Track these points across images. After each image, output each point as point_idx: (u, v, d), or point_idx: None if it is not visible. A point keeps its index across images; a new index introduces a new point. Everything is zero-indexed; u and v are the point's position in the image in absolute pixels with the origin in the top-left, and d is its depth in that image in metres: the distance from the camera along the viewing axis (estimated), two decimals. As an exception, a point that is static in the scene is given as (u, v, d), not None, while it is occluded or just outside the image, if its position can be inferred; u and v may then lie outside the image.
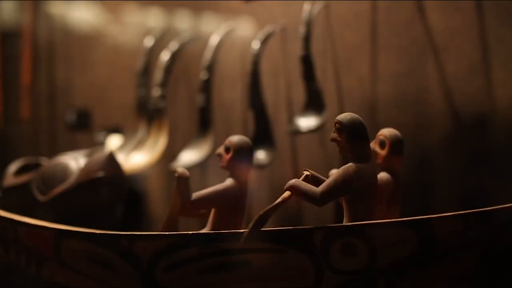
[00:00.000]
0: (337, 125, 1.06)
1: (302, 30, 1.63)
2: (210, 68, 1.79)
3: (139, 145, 1.90)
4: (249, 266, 1.06)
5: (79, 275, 1.20)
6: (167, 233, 1.12)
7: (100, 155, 1.56)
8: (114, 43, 2.31)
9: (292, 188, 1.03)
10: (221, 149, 1.20)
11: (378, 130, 1.18)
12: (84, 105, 2.35)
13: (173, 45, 1.92)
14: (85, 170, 1.52)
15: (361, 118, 1.06)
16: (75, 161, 1.55)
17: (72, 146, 2.29)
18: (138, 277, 1.12)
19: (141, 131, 1.93)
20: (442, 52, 1.52)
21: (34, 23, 2.50)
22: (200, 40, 1.96)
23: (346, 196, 1.04)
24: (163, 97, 1.87)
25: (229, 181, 1.18)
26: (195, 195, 1.16)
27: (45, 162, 1.62)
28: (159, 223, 1.25)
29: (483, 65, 1.45)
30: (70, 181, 1.50)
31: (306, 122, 1.62)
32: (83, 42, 2.43)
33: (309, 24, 1.64)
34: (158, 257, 1.10)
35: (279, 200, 1.04)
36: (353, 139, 1.05)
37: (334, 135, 1.07)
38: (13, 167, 1.63)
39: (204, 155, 1.74)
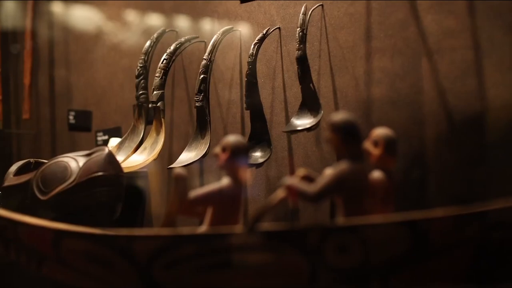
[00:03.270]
0: (331, 125, 1.07)
1: (298, 31, 1.65)
2: (208, 68, 1.81)
3: (138, 145, 1.91)
4: (245, 265, 1.06)
5: (78, 273, 1.20)
6: (165, 232, 1.13)
7: (99, 155, 1.56)
8: (114, 43, 2.31)
9: (287, 187, 1.04)
10: (217, 149, 1.21)
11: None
12: (84, 106, 2.36)
13: (172, 46, 1.93)
14: (84, 170, 1.53)
15: (355, 118, 1.07)
16: (74, 161, 1.55)
17: (72, 146, 2.31)
18: (137, 276, 1.13)
19: (140, 132, 1.93)
20: (436, 53, 1.52)
21: (35, 24, 2.51)
22: (199, 41, 1.97)
23: (340, 194, 1.05)
24: (162, 97, 1.88)
25: (225, 180, 1.18)
26: (193, 194, 1.17)
27: (45, 161, 1.63)
28: (158, 222, 1.26)
29: (476, 66, 1.45)
30: (70, 180, 1.51)
31: (302, 121, 1.63)
32: (83, 43, 2.44)
33: (304, 26, 1.65)
34: (156, 255, 1.10)
35: (274, 198, 1.05)
36: (347, 139, 1.05)
37: (328, 135, 1.07)
38: (13, 167, 1.64)
39: (202, 155, 1.75)
